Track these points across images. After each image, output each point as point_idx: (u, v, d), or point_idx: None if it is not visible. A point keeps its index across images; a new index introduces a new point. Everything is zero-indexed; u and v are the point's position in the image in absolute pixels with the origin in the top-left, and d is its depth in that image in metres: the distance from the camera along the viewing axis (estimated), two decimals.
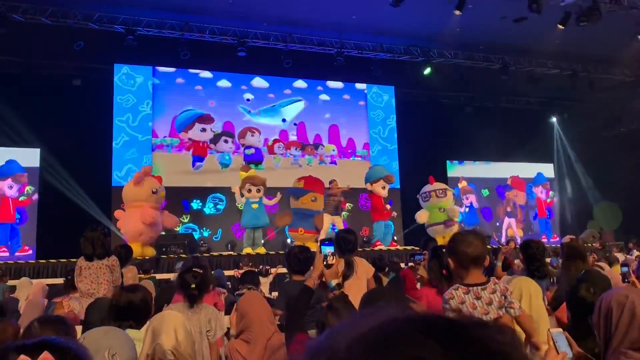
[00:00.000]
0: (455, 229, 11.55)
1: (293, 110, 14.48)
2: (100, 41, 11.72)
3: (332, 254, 2.47)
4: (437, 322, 0.45)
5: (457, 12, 10.81)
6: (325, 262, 2.46)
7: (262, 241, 10.59)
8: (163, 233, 10.56)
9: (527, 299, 2.78)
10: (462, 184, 15.74)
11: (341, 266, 3.66)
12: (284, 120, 14.25)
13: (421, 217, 11.46)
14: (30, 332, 2.07)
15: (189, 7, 11.58)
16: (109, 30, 11.76)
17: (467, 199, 15.89)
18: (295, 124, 14.40)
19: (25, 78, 12.28)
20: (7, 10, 10.84)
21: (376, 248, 10.78)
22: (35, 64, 12.39)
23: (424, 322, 0.45)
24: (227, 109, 13.79)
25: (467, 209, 15.57)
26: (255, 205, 10.26)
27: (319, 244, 2.55)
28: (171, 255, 9.19)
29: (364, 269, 3.85)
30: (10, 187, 11.55)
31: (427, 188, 11.68)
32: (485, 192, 16.53)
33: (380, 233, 11.27)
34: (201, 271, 3.18)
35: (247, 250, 10.16)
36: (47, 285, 6.58)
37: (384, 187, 11.47)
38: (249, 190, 10.33)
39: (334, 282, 2.45)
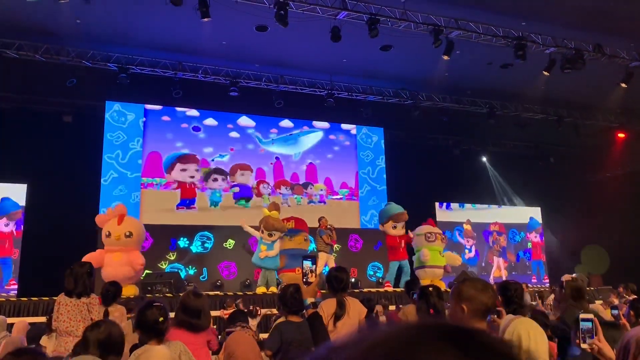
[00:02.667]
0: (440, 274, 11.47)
1: (311, 140, 14.65)
2: (92, 78, 11.81)
3: (312, 271, 2.39)
4: (448, 328, 0.47)
5: (446, 57, 11.08)
6: (304, 279, 2.38)
7: (274, 282, 10.29)
8: (148, 271, 10.38)
9: (526, 344, 2.63)
10: (467, 226, 15.93)
11: (333, 306, 3.60)
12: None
13: (426, 255, 11.30)
14: None
15: (183, 47, 11.76)
16: (102, 68, 11.86)
17: (468, 242, 16.10)
18: (311, 162, 14.58)
19: (16, 113, 12.28)
20: (1, 46, 10.93)
21: (382, 289, 10.72)
22: (27, 99, 12.41)
23: (435, 328, 0.47)
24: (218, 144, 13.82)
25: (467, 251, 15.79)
26: (262, 253, 10.16)
27: (301, 260, 2.47)
28: (157, 295, 9.00)
29: (356, 310, 3.74)
30: (6, 225, 11.69)
31: (432, 229, 11.60)
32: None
33: (392, 274, 11.14)
34: (162, 304, 3.08)
35: (262, 289, 9.89)
36: (29, 323, 6.38)
37: (394, 227, 11.38)
38: (270, 235, 10.19)
39: (309, 301, 2.36)
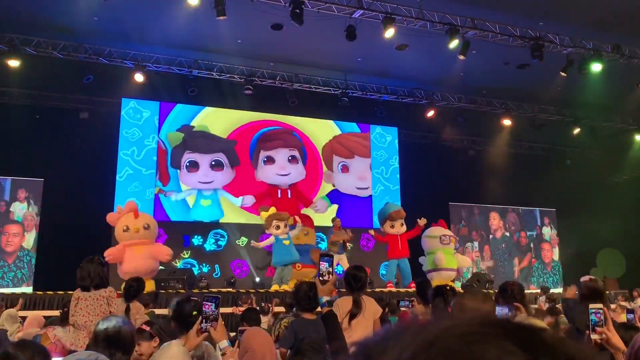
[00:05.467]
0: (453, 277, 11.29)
1: None
2: (109, 75, 11.92)
3: (329, 272, 2.39)
4: (510, 326, 0.44)
5: (461, 57, 11.00)
6: (320, 278, 2.38)
7: (289, 278, 10.12)
8: (161, 268, 10.43)
9: None
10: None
11: (349, 304, 3.58)
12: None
13: (442, 259, 11.07)
14: (6, 355, 2.01)
15: (198, 45, 11.82)
16: (119, 65, 11.96)
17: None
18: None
19: (34, 109, 12.44)
20: (21, 43, 11.07)
21: (386, 290, 10.53)
22: (45, 96, 12.55)
23: (499, 326, 0.43)
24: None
25: None
26: (287, 242, 9.99)
27: (318, 258, 2.48)
28: (169, 290, 9.06)
29: (371, 310, 3.72)
30: None
31: (446, 232, 11.43)
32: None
33: (392, 273, 11.04)
34: (199, 300, 3.11)
35: (275, 287, 9.80)
36: (44, 317, 6.45)
37: (392, 226, 11.12)
38: (277, 227, 10.09)
39: (324, 299, 2.37)
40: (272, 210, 10.54)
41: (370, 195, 14.63)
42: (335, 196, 14.35)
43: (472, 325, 0.43)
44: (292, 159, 14.15)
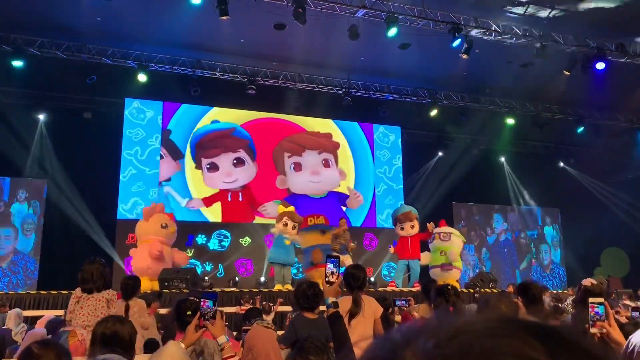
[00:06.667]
0: (453, 274, 11.21)
1: None
2: (112, 75, 11.94)
3: (332, 272, 2.42)
4: (530, 322, 0.45)
5: (464, 56, 10.97)
6: (326, 279, 2.41)
7: (290, 279, 10.18)
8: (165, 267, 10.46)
9: None
10: None
11: (348, 303, 3.59)
12: None
13: (424, 258, 11.16)
14: (30, 354, 2.02)
15: (201, 45, 11.83)
16: (122, 65, 11.99)
17: None
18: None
19: (37, 109, 12.48)
20: (25, 43, 11.11)
21: (388, 289, 10.50)
22: (48, 96, 12.60)
23: (518, 322, 0.45)
24: None
25: None
26: (288, 242, 9.96)
27: (325, 259, 2.50)
28: (173, 290, 9.07)
29: (371, 309, 3.69)
30: None
31: (445, 229, 11.32)
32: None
33: (399, 273, 11.03)
34: (198, 300, 3.12)
35: (278, 287, 9.79)
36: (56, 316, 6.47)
37: (402, 228, 11.01)
38: (285, 224, 10.03)
39: (330, 300, 2.39)
40: (291, 208, 10.55)
41: (328, 192, 14.24)
42: (291, 200, 13.29)
43: (492, 321, 0.45)
44: (238, 162, 13.45)
